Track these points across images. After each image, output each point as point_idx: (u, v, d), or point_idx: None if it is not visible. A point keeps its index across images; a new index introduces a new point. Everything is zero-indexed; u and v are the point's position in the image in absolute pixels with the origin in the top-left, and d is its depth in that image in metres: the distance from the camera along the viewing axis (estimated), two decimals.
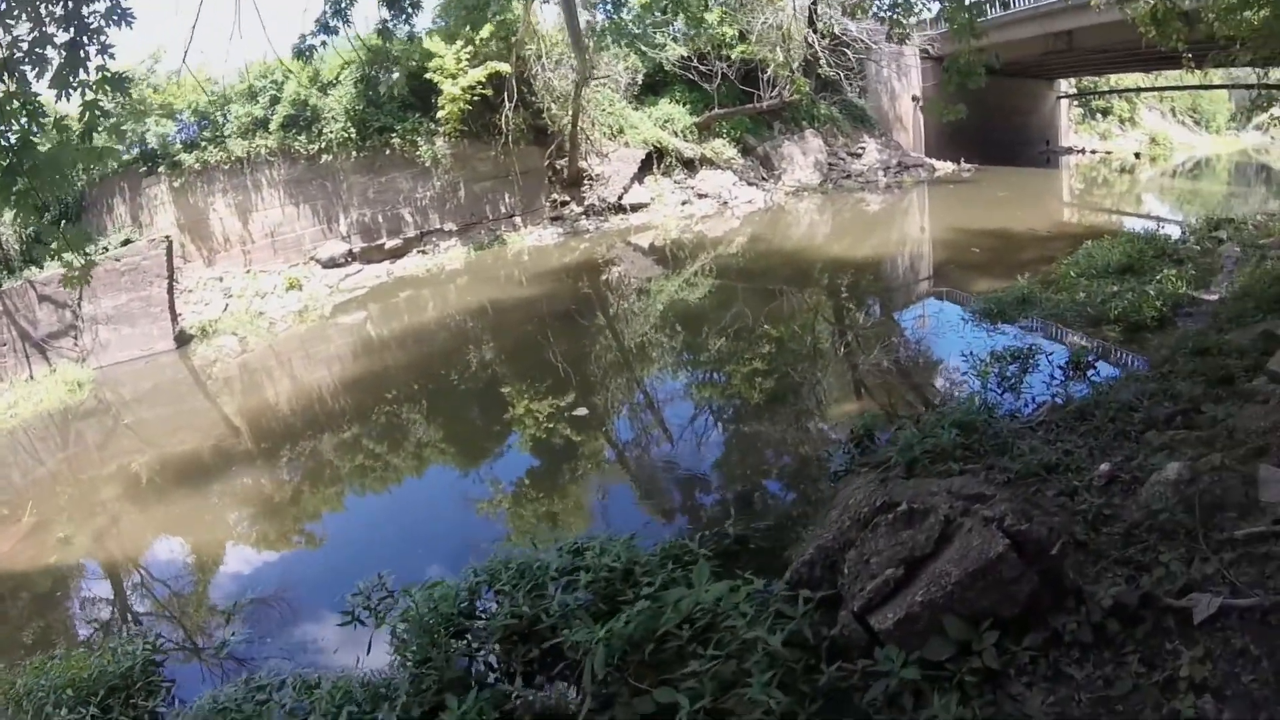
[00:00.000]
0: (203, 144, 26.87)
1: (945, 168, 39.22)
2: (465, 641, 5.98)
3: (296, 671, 6.52)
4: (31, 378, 19.55)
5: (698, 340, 16.49)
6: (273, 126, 27.21)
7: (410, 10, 13.41)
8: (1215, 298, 12.54)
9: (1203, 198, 32.97)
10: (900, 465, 7.15)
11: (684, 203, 32.93)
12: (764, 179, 35.44)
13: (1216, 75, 40.67)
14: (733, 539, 7.12)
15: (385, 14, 13.21)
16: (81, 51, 6.11)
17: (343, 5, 12.63)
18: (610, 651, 4.98)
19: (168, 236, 22.89)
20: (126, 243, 22.81)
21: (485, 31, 27.77)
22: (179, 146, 26.74)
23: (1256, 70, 27.35)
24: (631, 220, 31.32)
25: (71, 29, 6.11)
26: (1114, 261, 14.91)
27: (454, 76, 27.56)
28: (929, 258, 22.99)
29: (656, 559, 6.26)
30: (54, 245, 8.08)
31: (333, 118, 27.65)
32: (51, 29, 6.07)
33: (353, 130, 27.71)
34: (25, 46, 5.89)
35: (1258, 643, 4.14)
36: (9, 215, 21.38)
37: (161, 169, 26.35)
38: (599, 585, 5.98)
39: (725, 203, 33.25)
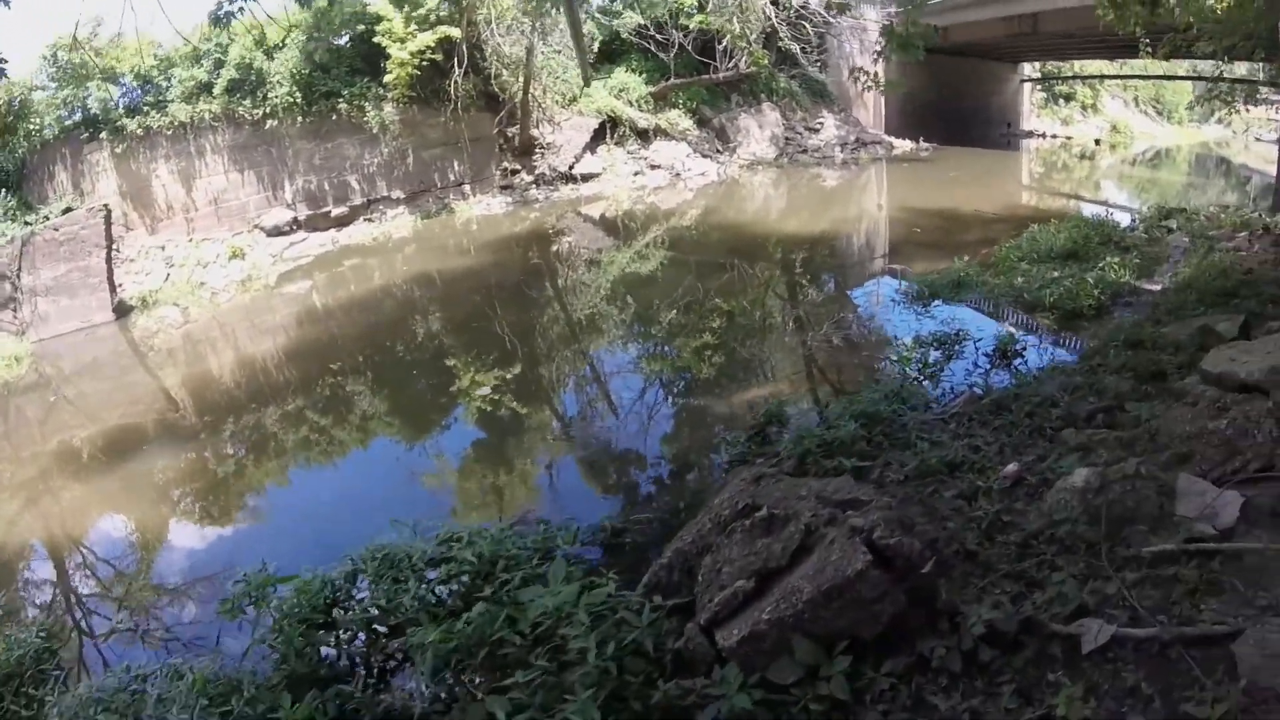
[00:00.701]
0: (145, 109, 26.00)
1: (904, 146, 38.99)
2: (335, 634, 5.78)
3: (170, 661, 6.17)
4: None
5: (645, 314, 16.34)
6: (217, 91, 26.31)
7: None
8: (1158, 288, 12.34)
9: (1160, 187, 33.02)
10: (792, 459, 6.79)
11: (636, 174, 32.42)
12: (719, 151, 34.99)
13: (1181, 67, 40.70)
14: (610, 533, 6.78)
15: None
16: None
17: None
18: (440, 655, 4.68)
19: (106, 205, 22.35)
20: (67, 211, 22.26)
21: None
22: (121, 112, 25.86)
23: (1218, 62, 27.21)
24: (582, 190, 30.81)
25: None
26: (1058, 246, 14.71)
27: (402, 40, 26.77)
28: (877, 237, 22.93)
29: (525, 552, 5.90)
30: None
31: (278, 82, 26.71)
32: None
33: (299, 95, 26.81)
34: None
35: (1151, 680, 3.65)
36: None
37: (103, 135, 25.48)
38: (461, 579, 5.66)
39: (678, 174, 32.82)
